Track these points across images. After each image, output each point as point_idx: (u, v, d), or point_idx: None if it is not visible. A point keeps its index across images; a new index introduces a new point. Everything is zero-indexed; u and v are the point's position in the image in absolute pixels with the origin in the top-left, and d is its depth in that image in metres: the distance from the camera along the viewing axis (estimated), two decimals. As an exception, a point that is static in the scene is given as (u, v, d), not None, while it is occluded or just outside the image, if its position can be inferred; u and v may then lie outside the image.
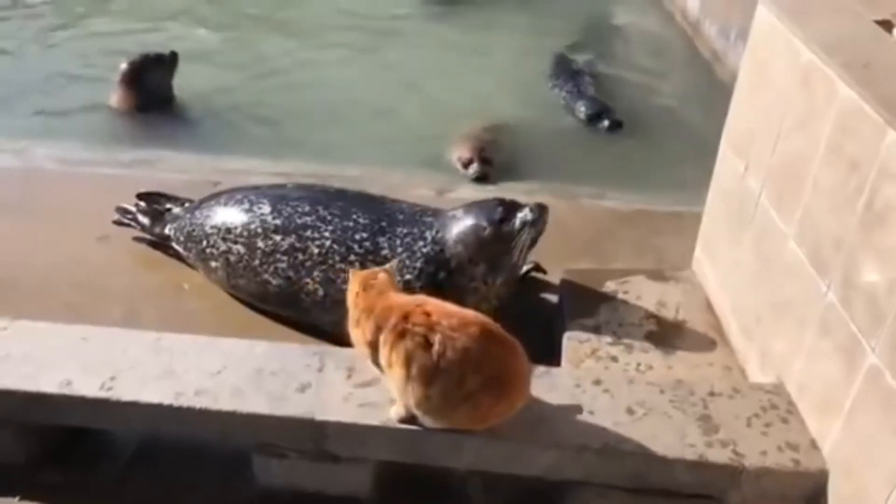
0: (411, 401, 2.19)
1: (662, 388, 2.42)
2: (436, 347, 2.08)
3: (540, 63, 6.13)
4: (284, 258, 3.12)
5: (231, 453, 2.63)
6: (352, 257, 3.02)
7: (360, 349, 2.30)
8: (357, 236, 3.05)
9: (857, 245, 2.00)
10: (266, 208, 3.22)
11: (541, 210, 2.97)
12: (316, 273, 3.06)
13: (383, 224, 3.10)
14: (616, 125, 5.22)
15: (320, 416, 2.33)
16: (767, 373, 2.52)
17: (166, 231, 3.61)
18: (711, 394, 2.40)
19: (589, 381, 2.44)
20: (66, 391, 2.42)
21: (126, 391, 2.42)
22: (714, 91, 5.72)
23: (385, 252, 2.99)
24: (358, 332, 2.26)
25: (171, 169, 4.52)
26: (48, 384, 2.44)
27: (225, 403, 2.38)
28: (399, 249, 3.00)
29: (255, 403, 2.38)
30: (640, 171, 4.89)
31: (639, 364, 2.75)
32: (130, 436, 2.75)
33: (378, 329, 2.16)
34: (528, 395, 2.23)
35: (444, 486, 2.59)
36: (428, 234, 3.03)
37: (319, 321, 3.15)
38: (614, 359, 2.78)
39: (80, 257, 3.67)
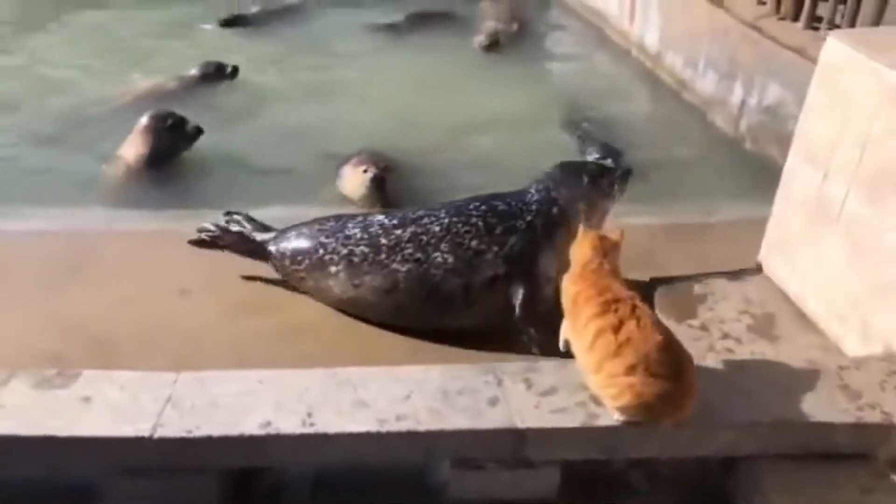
0: (584, 365, 2.54)
1: (798, 368, 2.79)
2: (622, 336, 2.39)
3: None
4: (410, 245, 3.39)
5: (410, 473, 2.78)
6: (473, 219, 3.37)
7: (564, 298, 2.68)
8: (471, 206, 3.45)
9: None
10: (379, 217, 3.56)
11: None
12: (443, 245, 3.35)
13: (489, 195, 3.51)
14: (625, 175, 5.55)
15: (521, 425, 2.55)
16: (871, 346, 2.94)
17: (269, 247, 3.72)
18: (840, 367, 2.80)
19: (738, 370, 2.78)
20: (271, 431, 2.52)
21: (329, 425, 2.54)
22: (687, 115, 6.34)
23: (501, 207, 3.41)
24: (572, 287, 2.62)
25: (215, 220, 4.55)
26: (250, 427, 2.52)
27: (429, 424, 2.54)
28: (512, 203, 3.42)
29: (457, 420, 2.56)
30: (648, 196, 5.29)
31: (752, 353, 3.12)
32: (304, 471, 2.85)
33: (589, 300, 2.52)
34: (690, 405, 2.48)
35: (610, 479, 2.85)
36: (532, 189, 3.49)
37: (451, 291, 3.35)
38: (730, 351, 3.14)
39: (169, 312, 3.68)
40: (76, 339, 3.47)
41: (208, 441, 2.50)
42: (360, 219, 3.58)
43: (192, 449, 2.50)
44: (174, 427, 2.51)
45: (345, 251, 3.47)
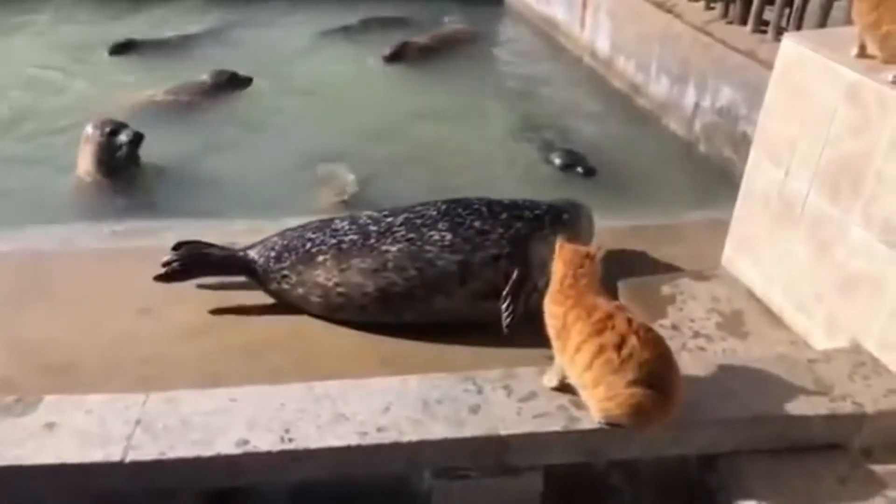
0: (579, 381, 2.50)
1: (771, 364, 2.84)
2: (625, 352, 2.38)
3: (490, 122, 6.53)
4: (402, 227, 3.44)
5: (392, 485, 2.74)
6: (475, 205, 3.45)
7: (549, 319, 2.59)
8: (473, 198, 3.55)
9: (936, 218, 2.52)
10: (368, 212, 3.61)
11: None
12: (440, 224, 3.41)
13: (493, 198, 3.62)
14: (590, 172, 5.63)
15: (504, 431, 2.52)
16: (837, 339, 3.01)
17: (250, 254, 3.69)
18: (810, 361, 2.85)
19: (713, 368, 2.80)
20: (248, 449, 2.44)
21: (309, 440, 2.48)
22: (641, 119, 6.44)
23: (507, 202, 3.54)
24: (555, 308, 2.55)
25: (174, 238, 4.40)
26: (225, 446, 2.44)
27: (412, 435, 2.50)
28: (520, 202, 3.57)
29: (439, 430, 2.52)
30: (609, 199, 5.35)
31: (724, 350, 3.17)
32: (282, 488, 2.78)
33: (579, 318, 2.46)
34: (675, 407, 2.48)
35: (592, 482, 2.85)
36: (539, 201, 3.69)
37: (445, 267, 3.38)
38: (702, 349, 3.18)
39: (131, 332, 3.57)
40: (31, 364, 3.33)
41: (183, 463, 2.41)
42: (347, 216, 3.63)
43: (166, 472, 2.41)
44: (146, 450, 2.42)
45: (333, 241, 3.50)
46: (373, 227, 3.48)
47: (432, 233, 3.38)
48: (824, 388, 2.71)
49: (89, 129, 5.30)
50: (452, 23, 8.71)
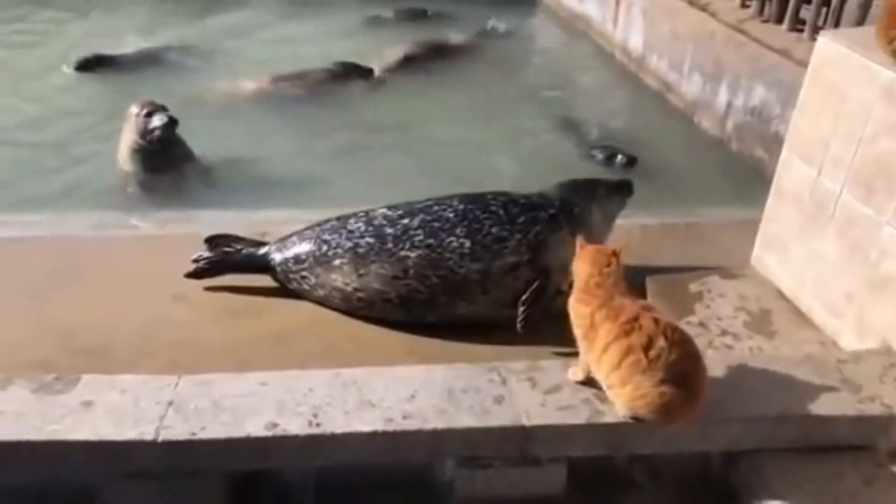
0: (606, 380, 2.51)
1: (798, 363, 2.82)
2: (653, 352, 2.39)
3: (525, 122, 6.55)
4: (419, 231, 3.37)
5: (415, 473, 2.77)
6: (492, 207, 3.38)
7: (575, 319, 2.61)
8: (488, 195, 3.46)
9: (970, 219, 2.50)
10: (382, 210, 3.52)
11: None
12: (458, 230, 3.34)
13: (505, 192, 3.54)
14: (631, 162, 5.66)
15: (528, 422, 2.55)
16: (867, 340, 2.98)
17: (272, 255, 3.69)
18: (839, 361, 2.84)
19: (740, 366, 2.80)
20: (277, 432, 2.49)
21: (336, 425, 2.52)
22: (673, 117, 6.40)
23: (521, 200, 3.46)
24: (582, 308, 2.56)
25: (209, 226, 4.47)
26: (255, 429, 2.50)
27: (436, 423, 2.54)
28: (532, 197, 3.49)
29: (463, 419, 2.55)
30: (640, 196, 5.33)
31: (751, 348, 3.16)
32: (305, 474, 2.83)
33: (607, 319, 2.47)
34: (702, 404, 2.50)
35: (614, 476, 2.86)
36: (549, 192, 3.61)
37: (466, 276, 3.34)
38: (729, 347, 3.17)
39: (164, 317, 3.64)
40: (67, 347, 3.41)
41: (214, 443, 2.47)
42: (361, 214, 3.58)
43: (197, 452, 2.47)
44: (178, 430, 2.48)
45: (349, 244, 3.46)
46: (389, 230, 3.41)
47: (451, 238, 3.32)
48: (852, 388, 2.69)
49: (131, 110, 5.33)
50: (451, 34, 8.32)
